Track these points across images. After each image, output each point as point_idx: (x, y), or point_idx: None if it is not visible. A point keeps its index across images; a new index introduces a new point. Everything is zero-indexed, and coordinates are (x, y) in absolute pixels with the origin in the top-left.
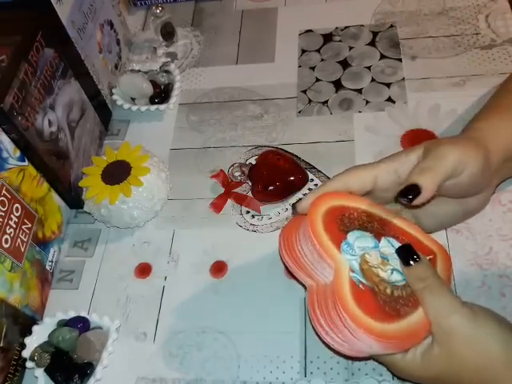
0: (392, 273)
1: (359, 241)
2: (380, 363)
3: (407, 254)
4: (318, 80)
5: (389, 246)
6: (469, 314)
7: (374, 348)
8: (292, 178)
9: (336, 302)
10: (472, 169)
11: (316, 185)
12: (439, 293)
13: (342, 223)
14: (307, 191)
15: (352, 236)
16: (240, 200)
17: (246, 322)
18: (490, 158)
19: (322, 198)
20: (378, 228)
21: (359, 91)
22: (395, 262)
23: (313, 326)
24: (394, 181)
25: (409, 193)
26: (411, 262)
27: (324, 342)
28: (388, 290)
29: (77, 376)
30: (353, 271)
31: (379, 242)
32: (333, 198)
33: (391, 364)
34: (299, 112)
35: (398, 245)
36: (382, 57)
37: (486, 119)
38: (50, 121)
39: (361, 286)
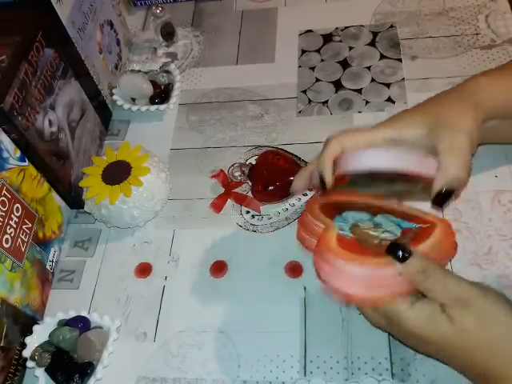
0: (383, 233)
1: (354, 215)
2: (384, 316)
3: (398, 249)
4: (317, 80)
5: (384, 218)
6: (480, 291)
7: (354, 275)
8: (292, 178)
9: (321, 243)
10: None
11: None
12: (444, 277)
13: (338, 208)
14: (307, 191)
15: (347, 213)
16: (240, 200)
17: (245, 322)
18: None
19: (322, 197)
20: (375, 211)
21: (359, 91)
22: (389, 227)
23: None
24: (389, 145)
25: (444, 200)
26: (405, 256)
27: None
28: (376, 241)
29: (77, 375)
30: (342, 230)
31: (375, 216)
32: (331, 197)
33: (395, 314)
34: (299, 112)
35: (394, 219)
36: (382, 57)
37: (480, 77)
38: (50, 121)
39: (347, 238)
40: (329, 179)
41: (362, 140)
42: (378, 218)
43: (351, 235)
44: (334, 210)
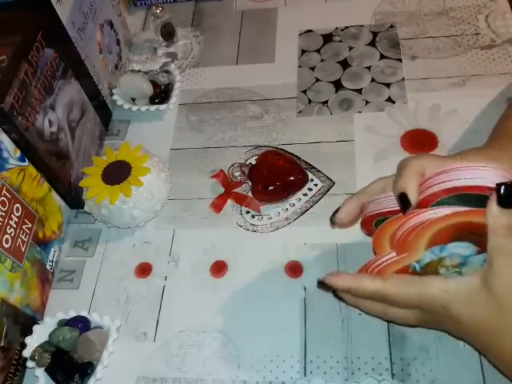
0: (453, 274)
1: (457, 248)
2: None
3: (506, 190)
4: (317, 80)
5: (482, 259)
6: None
7: None
8: (292, 178)
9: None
10: None
11: (316, 185)
12: None
13: (459, 235)
14: (307, 191)
15: (453, 244)
16: (240, 200)
17: (245, 322)
18: None
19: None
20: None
21: (359, 91)
22: (470, 270)
23: None
24: None
25: None
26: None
27: None
28: None
29: (77, 376)
30: (418, 262)
31: (481, 253)
32: (461, 215)
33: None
34: (299, 112)
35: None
36: (382, 57)
37: (499, 145)
38: (50, 121)
39: (410, 270)
40: (414, 197)
41: (448, 164)
42: (479, 257)
43: (418, 269)
44: (452, 235)
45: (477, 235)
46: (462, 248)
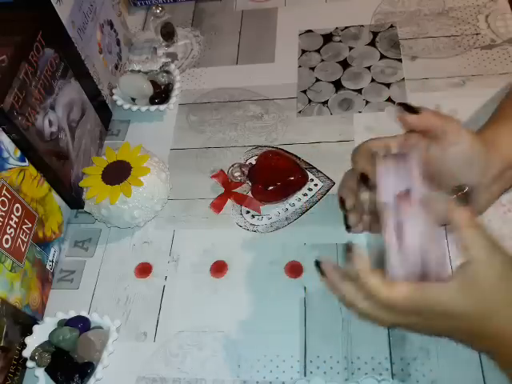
0: None
1: None
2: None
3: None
4: (317, 80)
5: None
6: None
7: None
8: (292, 178)
9: None
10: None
11: (316, 185)
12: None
13: None
14: (307, 191)
15: None
16: (240, 200)
17: (245, 322)
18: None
19: None
20: None
21: (359, 91)
22: None
23: None
24: None
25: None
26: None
27: None
28: None
29: (77, 376)
30: None
31: None
32: None
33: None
34: (299, 112)
35: None
36: (382, 57)
37: (494, 128)
38: (50, 121)
39: None
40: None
41: None
42: None
43: None
44: None
45: None
46: None
